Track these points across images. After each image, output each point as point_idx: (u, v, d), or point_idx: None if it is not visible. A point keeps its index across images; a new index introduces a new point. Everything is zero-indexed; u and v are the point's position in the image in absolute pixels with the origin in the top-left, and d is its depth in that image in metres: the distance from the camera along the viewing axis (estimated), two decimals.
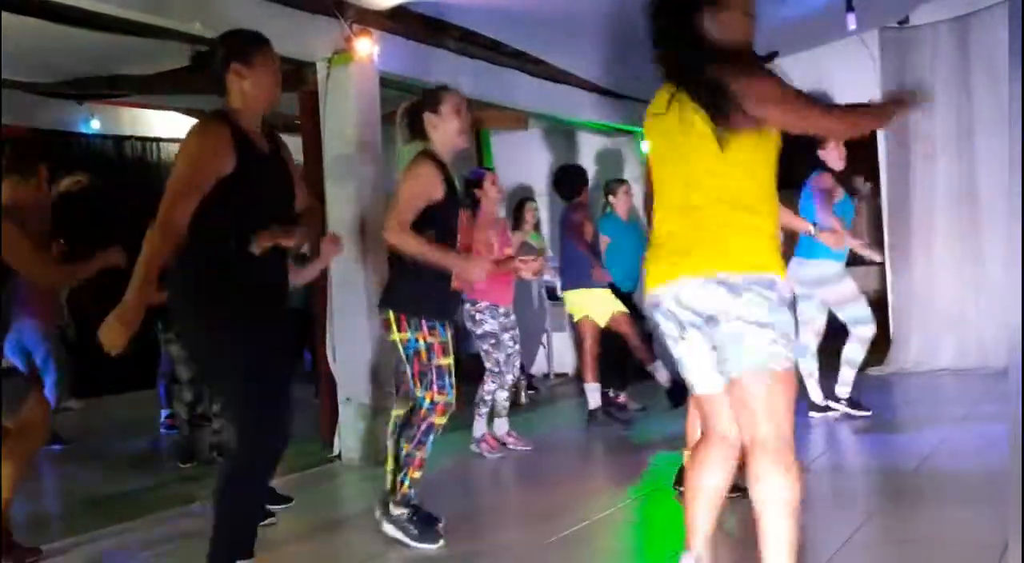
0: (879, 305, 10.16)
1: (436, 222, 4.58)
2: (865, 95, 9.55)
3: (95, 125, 11.14)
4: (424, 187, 4.55)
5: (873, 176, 10.23)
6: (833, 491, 5.53)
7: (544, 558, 4.43)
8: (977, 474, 5.30)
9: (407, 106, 4.80)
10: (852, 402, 7.30)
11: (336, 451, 6.86)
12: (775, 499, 3.12)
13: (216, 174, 3.62)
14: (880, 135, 9.87)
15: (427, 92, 4.82)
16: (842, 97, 9.93)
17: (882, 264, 8.34)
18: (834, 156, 7.11)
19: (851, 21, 8.37)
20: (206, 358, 3.89)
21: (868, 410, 7.27)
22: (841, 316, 7.27)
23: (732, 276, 3.15)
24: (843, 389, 7.31)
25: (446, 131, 4.67)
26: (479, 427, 6.88)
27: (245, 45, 3.82)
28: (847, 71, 9.77)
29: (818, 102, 3.21)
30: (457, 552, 4.56)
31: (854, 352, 7.28)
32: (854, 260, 7.74)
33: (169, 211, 3.55)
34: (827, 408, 7.34)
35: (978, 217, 9.38)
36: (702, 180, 3.25)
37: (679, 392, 7.51)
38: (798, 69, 9.88)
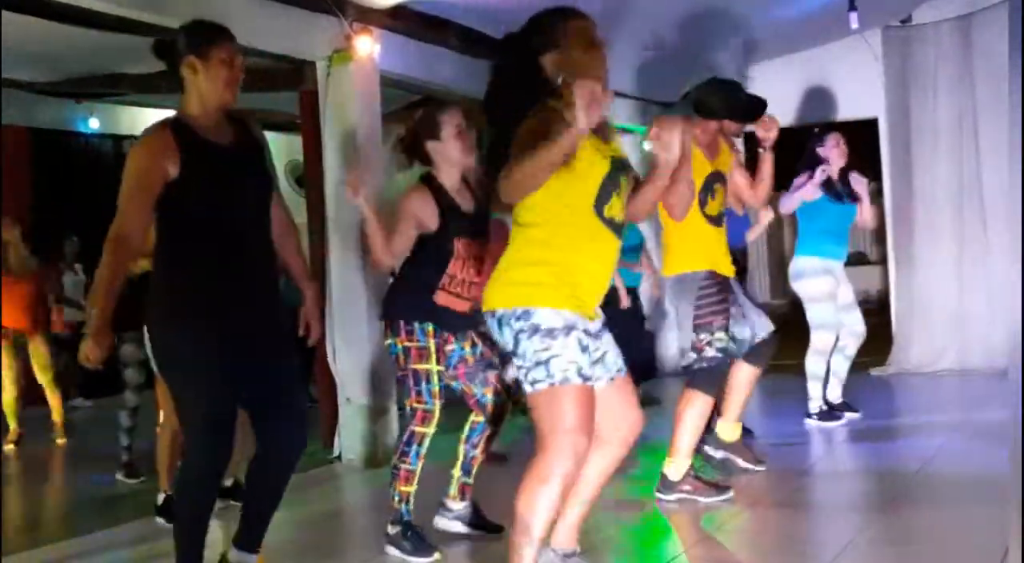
0: (881, 305, 10.15)
1: (428, 247, 4.52)
2: (868, 94, 9.60)
3: (94, 124, 11.15)
4: (412, 213, 4.50)
5: (875, 175, 10.22)
6: (834, 494, 5.49)
7: None
8: (979, 477, 5.22)
9: (403, 135, 4.69)
10: (822, 415, 7.11)
11: (336, 452, 6.85)
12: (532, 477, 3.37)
13: (161, 179, 3.57)
14: (882, 132, 9.85)
15: (423, 117, 4.69)
16: (845, 96, 9.99)
17: (885, 262, 8.31)
18: (835, 154, 7.07)
19: (853, 20, 8.35)
20: (162, 368, 3.89)
21: (840, 420, 7.09)
22: (808, 316, 7.17)
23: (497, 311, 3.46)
24: (813, 404, 7.14)
25: (451, 156, 4.56)
26: None
27: (203, 38, 3.72)
28: (850, 70, 9.76)
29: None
30: (452, 556, 4.54)
31: (813, 364, 7.13)
32: (858, 260, 7.71)
33: (118, 225, 3.54)
34: (838, 412, 7.21)
35: (982, 216, 9.32)
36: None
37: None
38: (800, 69, 9.97)
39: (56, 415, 8.69)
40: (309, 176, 7.16)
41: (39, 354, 8.58)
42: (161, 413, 5.56)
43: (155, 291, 3.68)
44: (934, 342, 9.46)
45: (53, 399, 8.66)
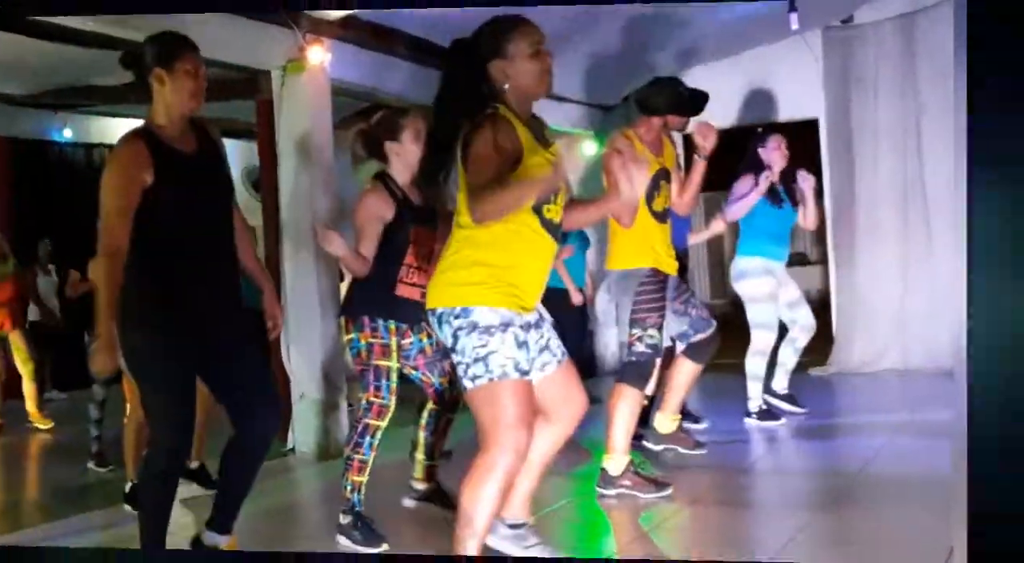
0: (822, 304, 10.12)
1: (386, 242, 4.71)
2: (809, 94, 9.62)
3: (67, 134, 11.34)
4: (373, 213, 4.70)
5: (815, 173, 10.30)
6: (774, 493, 5.51)
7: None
8: (922, 477, 5.12)
9: (362, 129, 4.89)
10: (762, 415, 7.09)
11: (290, 445, 7.04)
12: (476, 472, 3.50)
13: (140, 188, 3.75)
14: (823, 132, 9.79)
15: (385, 118, 4.89)
16: (785, 97, 9.90)
17: (825, 262, 8.28)
18: (776, 156, 7.08)
19: (794, 21, 8.17)
20: (131, 369, 4.05)
21: (779, 420, 7.06)
22: (748, 316, 7.16)
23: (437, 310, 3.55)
24: (753, 403, 7.11)
25: (407, 158, 4.76)
26: None
27: (168, 50, 3.86)
28: (790, 71, 9.72)
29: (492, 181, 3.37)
30: (405, 549, 4.64)
31: (753, 364, 7.10)
32: (798, 261, 7.74)
33: (108, 242, 3.72)
34: (779, 405, 7.30)
35: (925, 216, 9.26)
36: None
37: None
38: (740, 71, 9.86)
39: (31, 406, 9.01)
40: (264, 181, 7.37)
41: (19, 348, 9.03)
42: (128, 406, 5.77)
43: (125, 295, 3.79)
44: (876, 342, 9.40)
45: (31, 389, 9.03)
